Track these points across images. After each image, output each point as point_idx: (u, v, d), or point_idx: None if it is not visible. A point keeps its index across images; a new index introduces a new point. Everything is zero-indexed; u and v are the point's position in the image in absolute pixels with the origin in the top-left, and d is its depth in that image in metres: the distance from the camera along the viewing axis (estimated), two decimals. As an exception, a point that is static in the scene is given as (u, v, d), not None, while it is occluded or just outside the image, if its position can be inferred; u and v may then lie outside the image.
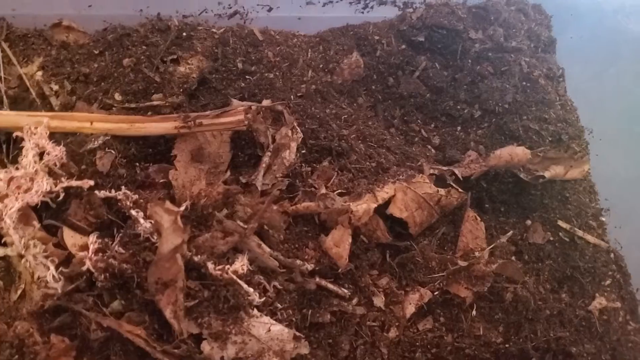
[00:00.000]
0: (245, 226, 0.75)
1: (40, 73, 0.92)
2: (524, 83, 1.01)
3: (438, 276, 0.87)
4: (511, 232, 0.93)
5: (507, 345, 0.87)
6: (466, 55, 1.02)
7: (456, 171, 0.91)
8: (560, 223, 0.95)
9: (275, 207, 0.79)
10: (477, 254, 0.88)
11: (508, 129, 1.00)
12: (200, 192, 0.79)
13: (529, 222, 0.96)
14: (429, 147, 1.00)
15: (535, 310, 0.88)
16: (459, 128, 1.02)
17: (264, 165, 0.85)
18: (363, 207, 0.83)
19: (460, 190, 0.90)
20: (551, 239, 0.95)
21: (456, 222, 0.93)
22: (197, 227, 0.77)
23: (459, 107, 1.02)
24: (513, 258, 0.92)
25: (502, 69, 1.01)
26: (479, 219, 0.91)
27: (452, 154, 0.97)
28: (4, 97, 0.87)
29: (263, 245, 0.78)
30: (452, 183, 0.90)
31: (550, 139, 0.98)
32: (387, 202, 0.86)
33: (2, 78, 0.89)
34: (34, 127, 0.79)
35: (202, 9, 0.97)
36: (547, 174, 0.92)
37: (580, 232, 0.96)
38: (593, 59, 1.05)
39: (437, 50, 1.04)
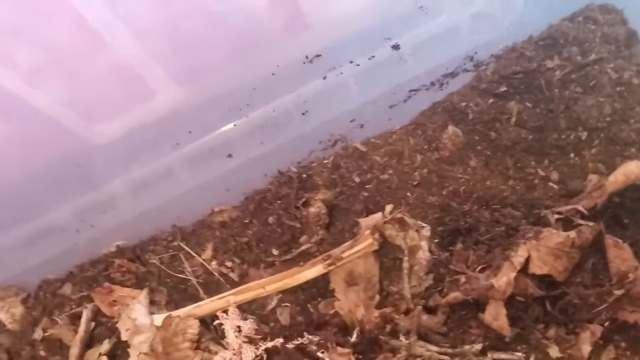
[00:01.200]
0: (408, 341, 0.87)
1: (214, 255, 1.14)
2: (618, 89, 1.02)
3: (602, 309, 0.91)
4: (659, 239, 0.94)
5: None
6: (551, 85, 1.05)
7: (579, 207, 0.94)
8: None
9: (425, 317, 0.90)
10: (630, 276, 0.91)
11: (619, 138, 1.00)
12: (362, 318, 0.94)
13: (675, 219, 0.96)
14: (550, 184, 1.04)
15: None
16: (572, 155, 1.04)
17: (405, 271, 0.97)
18: (504, 280, 0.91)
19: (590, 224, 0.93)
20: None
21: (601, 249, 0.96)
22: (371, 349, 0.92)
23: (563, 135, 1.04)
24: (672, 262, 0.93)
25: (590, 84, 1.03)
26: (620, 241, 0.93)
27: (574, 185, 1.01)
28: (197, 286, 1.11)
29: (429, 346, 0.90)
30: (579, 221, 0.94)
31: (665, 132, 0.98)
32: (526, 262, 0.93)
33: (191, 272, 1.12)
34: (226, 312, 1.01)
35: (310, 151, 1.13)
36: (671, 176, 0.92)
37: None
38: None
39: (523, 92, 1.08)
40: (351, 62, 1.03)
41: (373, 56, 1.03)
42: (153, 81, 1.10)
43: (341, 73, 1.03)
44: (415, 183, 1.10)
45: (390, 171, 1.12)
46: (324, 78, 1.04)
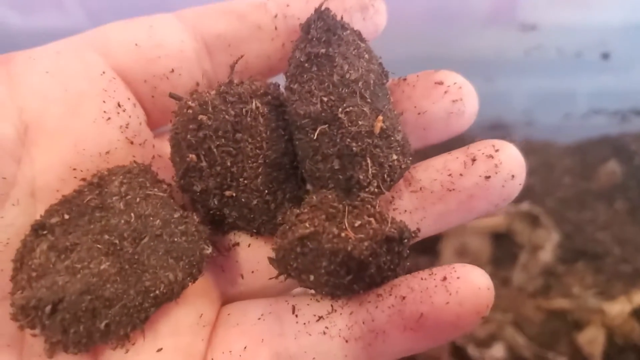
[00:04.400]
0: (502, 317, 0.87)
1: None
2: None
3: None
4: None
5: None
6: None
7: None
8: None
9: (530, 304, 0.90)
10: None
11: None
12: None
13: None
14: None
15: None
16: None
17: (520, 263, 0.97)
18: (616, 308, 0.88)
19: None
20: None
21: None
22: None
23: None
24: None
25: None
26: None
27: None
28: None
29: (518, 335, 0.89)
30: None
31: None
32: (643, 307, 0.90)
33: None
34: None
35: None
36: None
37: None
38: None
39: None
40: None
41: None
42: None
43: None
44: (556, 196, 1.09)
45: (537, 178, 1.11)
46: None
